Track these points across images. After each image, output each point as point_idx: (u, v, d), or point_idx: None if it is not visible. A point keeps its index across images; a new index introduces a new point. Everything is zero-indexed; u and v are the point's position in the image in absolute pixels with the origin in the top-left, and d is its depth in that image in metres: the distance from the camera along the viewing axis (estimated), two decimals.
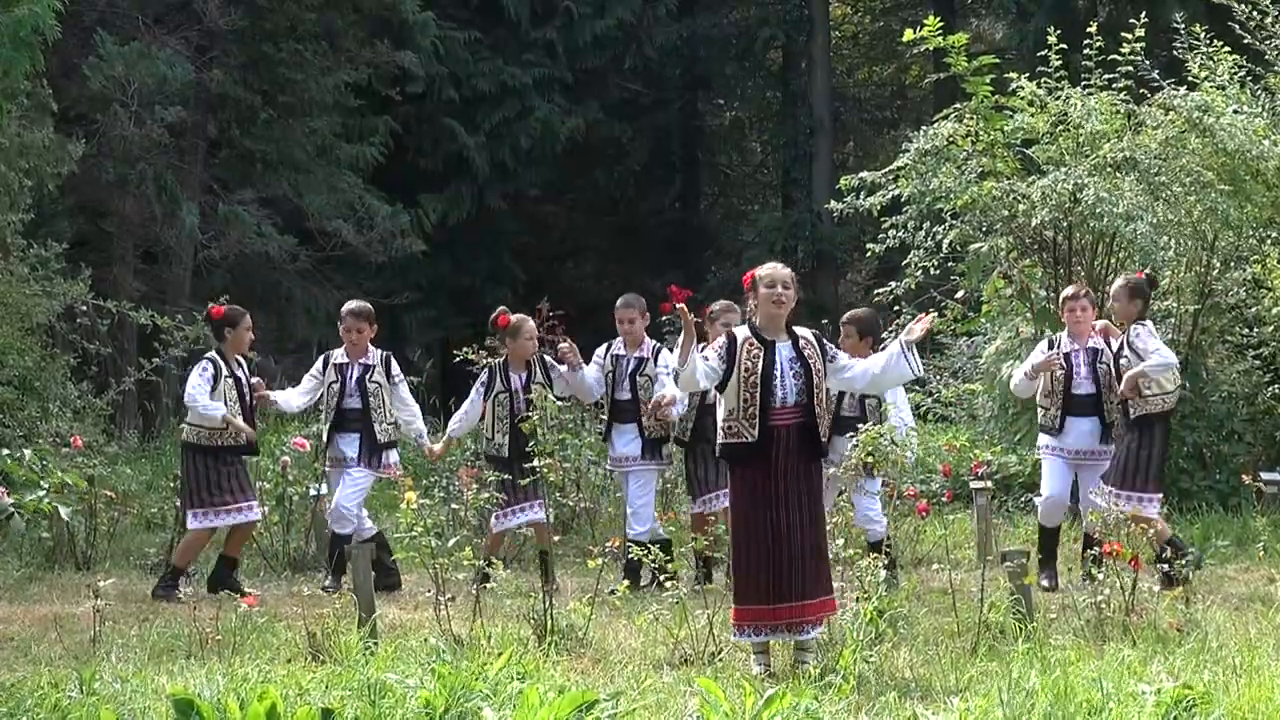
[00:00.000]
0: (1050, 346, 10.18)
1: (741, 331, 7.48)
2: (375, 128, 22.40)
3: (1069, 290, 10.33)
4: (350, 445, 10.35)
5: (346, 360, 10.44)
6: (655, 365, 10.25)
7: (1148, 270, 10.88)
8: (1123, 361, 9.79)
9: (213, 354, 10.19)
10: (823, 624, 7.36)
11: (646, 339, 10.39)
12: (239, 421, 10.04)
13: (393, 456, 10.50)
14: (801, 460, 7.32)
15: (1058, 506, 10.18)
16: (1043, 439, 10.21)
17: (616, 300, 10.50)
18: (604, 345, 10.47)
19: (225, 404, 10.00)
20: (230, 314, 10.34)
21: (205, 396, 9.95)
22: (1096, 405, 9.98)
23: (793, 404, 7.31)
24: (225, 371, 10.09)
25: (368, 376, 10.37)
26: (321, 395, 10.49)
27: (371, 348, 10.47)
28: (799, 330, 7.51)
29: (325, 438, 10.47)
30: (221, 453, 10.06)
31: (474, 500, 8.74)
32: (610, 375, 10.33)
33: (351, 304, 10.65)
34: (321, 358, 10.63)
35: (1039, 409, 10.26)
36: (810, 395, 7.32)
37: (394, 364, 10.54)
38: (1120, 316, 9.89)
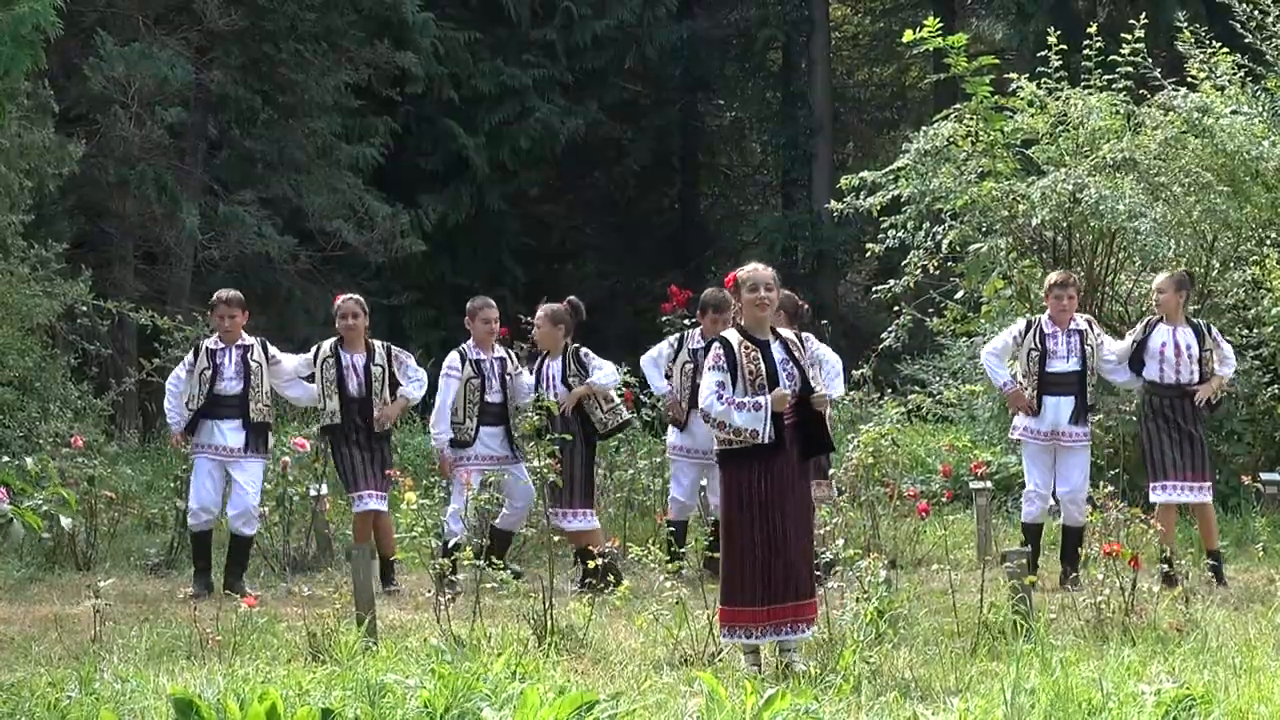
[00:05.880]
0: (1027, 328, 10.17)
1: (732, 335, 7.39)
2: (375, 128, 22.39)
3: (1057, 277, 10.28)
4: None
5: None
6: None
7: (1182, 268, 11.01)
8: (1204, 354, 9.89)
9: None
10: (814, 624, 7.31)
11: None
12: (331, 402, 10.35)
13: None
14: (798, 461, 7.31)
15: (1039, 499, 10.01)
16: (1018, 420, 10.18)
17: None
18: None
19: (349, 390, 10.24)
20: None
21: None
22: (1076, 384, 9.92)
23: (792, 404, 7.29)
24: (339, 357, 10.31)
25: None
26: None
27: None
28: (782, 331, 7.53)
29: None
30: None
31: (474, 501, 8.73)
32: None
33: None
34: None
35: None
36: (806, 394, 7.31)
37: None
38: (1166, 309, 9.97)
